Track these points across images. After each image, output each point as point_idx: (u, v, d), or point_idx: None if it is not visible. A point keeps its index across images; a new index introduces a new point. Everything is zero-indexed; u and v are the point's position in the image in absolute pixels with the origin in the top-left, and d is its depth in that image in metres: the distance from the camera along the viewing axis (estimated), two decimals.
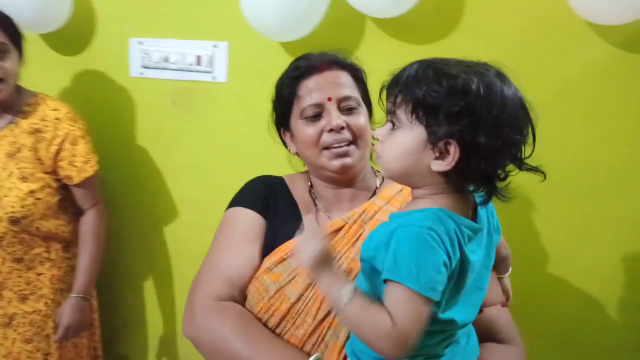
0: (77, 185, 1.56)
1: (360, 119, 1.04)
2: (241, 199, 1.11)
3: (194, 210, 1.81)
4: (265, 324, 0.96)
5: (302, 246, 0.79)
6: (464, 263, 0.74)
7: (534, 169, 0.76)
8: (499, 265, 0.98)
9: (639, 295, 1.47)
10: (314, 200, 1.10)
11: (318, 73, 1.03)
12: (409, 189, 0.92)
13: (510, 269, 1.03)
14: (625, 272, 1.47)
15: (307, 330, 0.93)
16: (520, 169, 0.76)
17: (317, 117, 1.02)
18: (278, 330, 0.96)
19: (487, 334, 0.96)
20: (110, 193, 1.75)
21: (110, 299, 1.89)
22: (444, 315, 0.76)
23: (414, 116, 0.73)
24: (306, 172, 1.16)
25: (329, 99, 1.01)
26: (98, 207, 1.62)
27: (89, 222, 1.61)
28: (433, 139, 0.73)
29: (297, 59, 1.11)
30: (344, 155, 1.01)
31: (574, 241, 1.48)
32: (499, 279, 1.02)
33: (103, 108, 1.79)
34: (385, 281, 0.73)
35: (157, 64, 1.69)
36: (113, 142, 1.79)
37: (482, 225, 0.80)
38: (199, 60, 1.64)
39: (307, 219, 0.87)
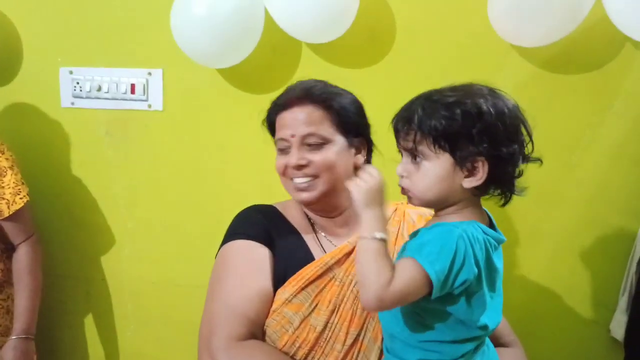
0: (7, 219, 1.47)
1: (326, 154, 1.03)
2: (241, 231, 1.05)
3: (134, 242, 1.74)
4: (292, 357, 0.94)
5: (358, 183, 0.84)
6: (492, 270, 0.82)
7: (535, 159, 0.86)
8: None
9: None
10: (312, 226, 1.10)
11: (289, 108, 1.05)
12: (402, 208, 1.06)
13: None
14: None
15: (337, 357, 0.93)
16: (525, 162, 0.85)
17: (284, 151, 1.06)
18: None
19: (493, 340, 1.00)
20: (43, 229, 1.66)
21: (48, 342, 1.78)
22: (482, 321, 0.83)
23: (436, 147, 0.80)
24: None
25: (292, 136, 1.04)
26: (31, 241, 1.54)
27: (22, 258, 1.52)
28: (461, 162, 0.80)
29: (288, 87, 1.12)
30: (304, 190, 1.04)
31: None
32: None
33: (34, 140, 1.72)
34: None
35: (89, 93, 1.64)
36: (45, 175, 1.72)
37: (504, 237, 0.87)
38: (133, 88, 1.61)
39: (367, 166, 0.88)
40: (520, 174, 0.85)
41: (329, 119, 1.05)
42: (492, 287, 0.84)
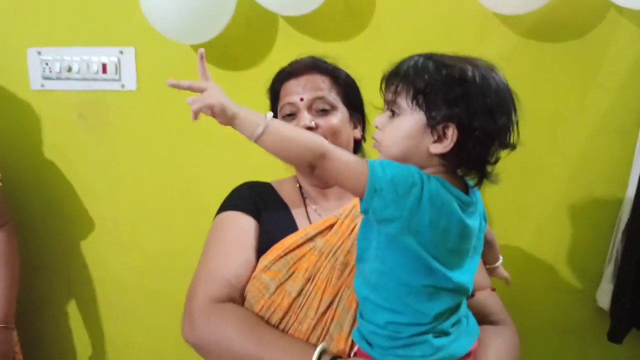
0: None
1: (332, 120, 1.07)
2: (231, 203, 1.11)
3: (114, 229, 1.70)
4: (267, 322, 0.96)
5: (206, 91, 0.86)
6: (458, 223, 0.79)
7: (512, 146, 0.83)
8: (487, 251, 1.03)
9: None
10: (303, 200, 1.13)
11: (297, 76, 1.10)
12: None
13: (501, 258, 1.08)
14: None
15: (310, 324, 0.95)
16: (504, 148, 0.82)
17: (292, 116, 1.08)
18: (281, 327, 0.96)
19: (480, 317, 0.99)
20: (18, 217, 1.61)
21: (31, 334, 1.74)
22: (458, 278, 0.81)
23: (414, 102, 0.79)
24: (294, 177, 1.20)
25: (301, 99, 1.07)
26: (6, 228, 1.49)
27: None
28: (432, 123, 0.78)
29: (294, 60, 1.16)
30: None
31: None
32: (493, 269, 1.09)
33: (4, 125, 1.65)
34: None
35: (59, 74, 1.58)
36: (17, 161, 1.65)
37: (473, 200, 0.84)
38: (104, 68, 1.55)
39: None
40: (497, 160, 0.83)
41: (335, 89, 1.11)
42: (460, 240, 0.81)
